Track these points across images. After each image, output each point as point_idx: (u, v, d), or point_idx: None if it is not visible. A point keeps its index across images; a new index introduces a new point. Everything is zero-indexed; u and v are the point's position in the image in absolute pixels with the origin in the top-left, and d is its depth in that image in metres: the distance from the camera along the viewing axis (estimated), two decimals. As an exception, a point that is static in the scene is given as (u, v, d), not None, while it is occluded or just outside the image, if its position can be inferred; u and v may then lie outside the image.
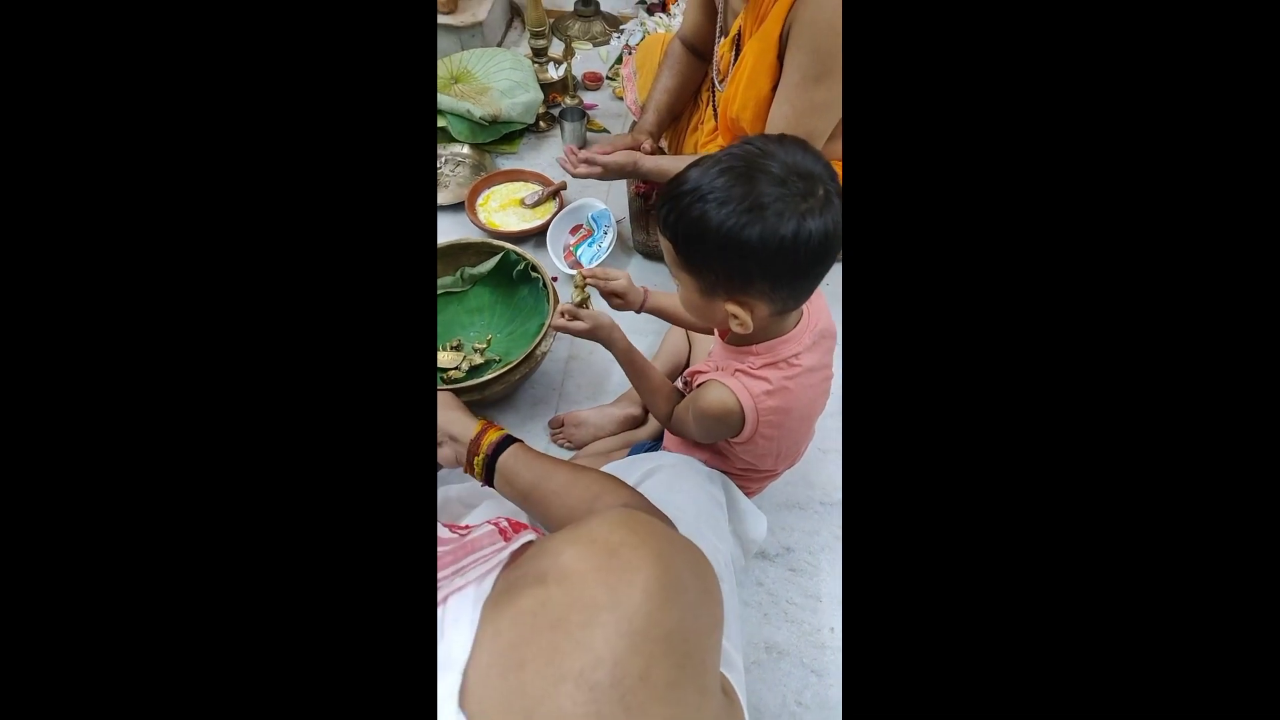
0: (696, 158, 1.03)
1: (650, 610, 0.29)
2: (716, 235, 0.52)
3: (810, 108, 0.88)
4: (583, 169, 1.05)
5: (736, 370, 0.63)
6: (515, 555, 0.38)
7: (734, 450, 0.71)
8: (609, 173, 1.06)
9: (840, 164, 1.01)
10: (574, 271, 1.19)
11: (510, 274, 1.07)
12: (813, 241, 0.51)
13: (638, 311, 0.81)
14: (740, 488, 0.76)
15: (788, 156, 0.53)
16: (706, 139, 1.17)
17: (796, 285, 0.56)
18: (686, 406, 0.70)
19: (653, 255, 1.23)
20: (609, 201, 1.28)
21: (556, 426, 1.03)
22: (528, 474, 0.55)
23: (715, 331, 0.71)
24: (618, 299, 0.79)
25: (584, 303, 0.77)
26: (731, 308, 0.57)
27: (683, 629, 0.30)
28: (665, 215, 0.56)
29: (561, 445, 1.01)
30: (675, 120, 1.22)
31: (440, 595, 0.33)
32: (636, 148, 1.09)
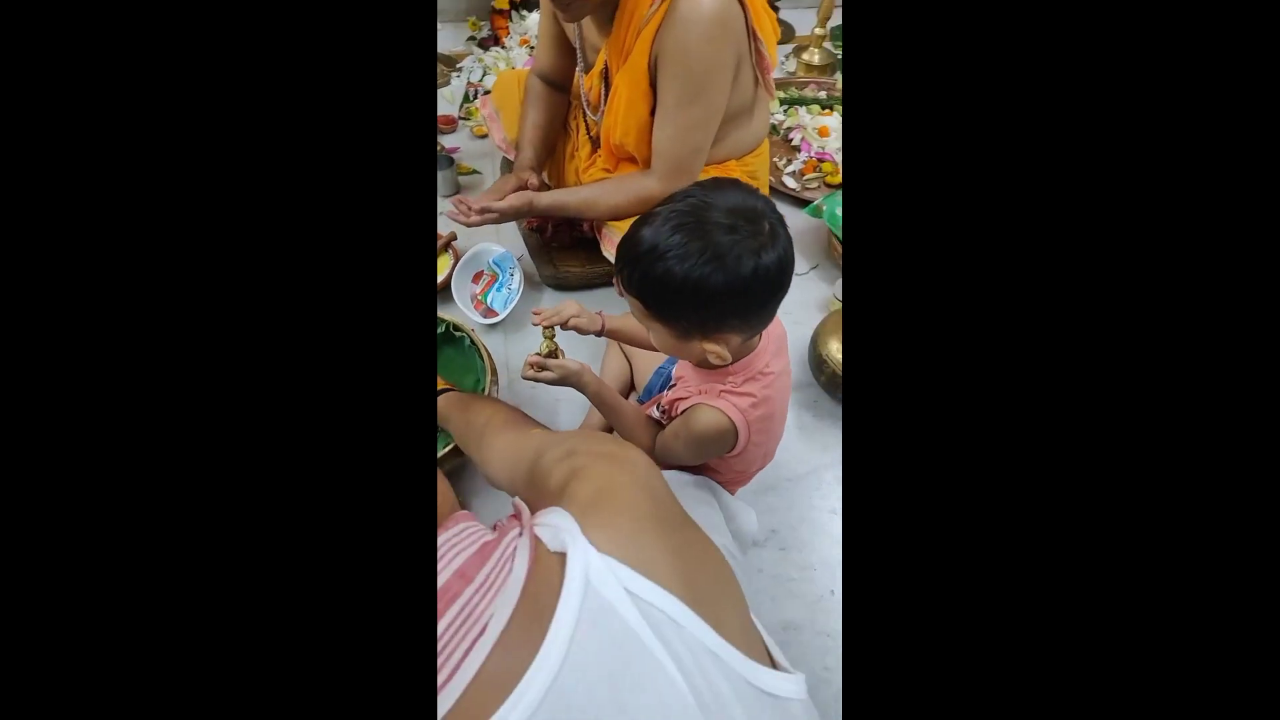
0: (589, 187, 1.06)
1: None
2: (683, 289, 0.56)
3: (690, 125, 0.94)
4: (476, 218, 1.04)
5: (722, 391, 0.67)
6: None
7: (726, 463, 0.75)
8: (505, 218, 1.06)
9: (729, 165, 1.09)
10: (489, 320, 1.18)
11: (432, 341, 1.03)
12: (770, 274, 0.56)
13: (599, 335, 0.83)
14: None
15: (728, 201, 0.57)
16: (585, 165, 1.20)
17: (763, 314, 0.61)
18: (674, 434, 0.73)
19: (563, 286, 1.25)
20: (501, 241, 1.27)
21: None
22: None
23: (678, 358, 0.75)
24: (577, 329, 0.80)
25: (554, 352, 0.77)
26: (709, 346, 0.61)
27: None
28: (629, 276, 0.60)
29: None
30: (551, 152, 1.23)
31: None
32: (523, 186, 1.10)
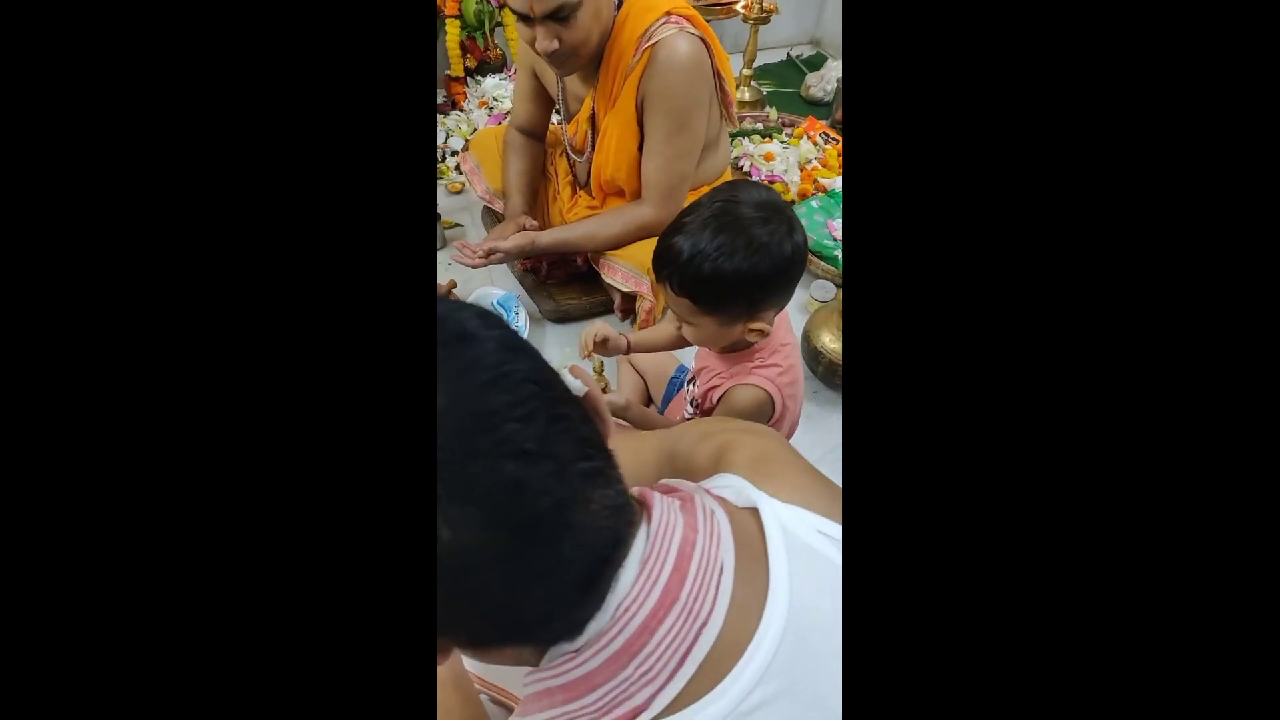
0: (587, 221, 1.15)
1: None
2: (736, 281, 0.66)
3: (676, 155, 1.06)
4: (481, 260, 1.11)
5: (752, 369, 0.77)
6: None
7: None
8: (510, 257, 1.13)
9: (703, 190, 1.21)
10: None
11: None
12: (801, 251, 0.68)
13: (625, 354, 0.91)
14: None
15: (753, 197, 0.68)
16: (569, 206, 1.31)
17: (792, 288, 0.72)
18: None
19: (565, 318, 1.32)
20: (495, 284, 1.34)
21: None
22: None
23: (696, 349, 0.84)
24: (606, 348, 0.88)
25: (601, 372, 0.85)
26: (753, 326, 0.71)
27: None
28: (679, 281, 0.68)
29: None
30: (534, 197, 1.33)
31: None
32: (522, 229, 1.18)
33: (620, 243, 1.15)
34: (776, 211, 0.67)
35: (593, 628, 0.32)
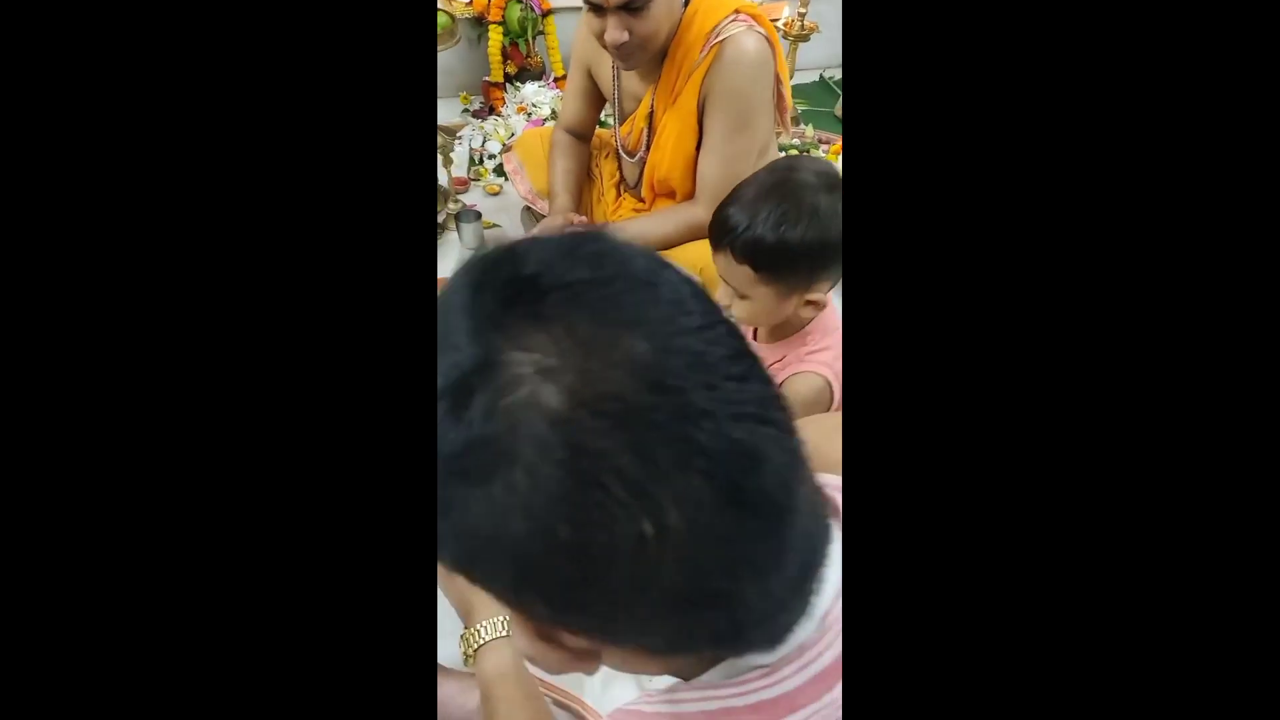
0: (637, 221, 1.13)
1: None
2: (796, 248, 0.65)
3: (735, 156, 1.05)
4: None
5: (806, 354, 0.74)
6: None
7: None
8: None
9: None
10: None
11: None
12: None
13: None
14: None
15: (813, 167, 0.68)
16: (613, 208, 1.29)
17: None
18: None
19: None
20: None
21: None
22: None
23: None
24: None
25: None
26: (810, 298, 0.70)
27: None
28: (739, 247, 0.67)
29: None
30: (580, 197, 1.32)
31: None
32: (570, 225, 1.16)
33: (670, 243, 1.13)
34: (837, 182, 0.65)
35: (796, 637, 0.27)
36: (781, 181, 0.67)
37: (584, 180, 1.31)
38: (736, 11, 0.98)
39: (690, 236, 1.12)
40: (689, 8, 0.98)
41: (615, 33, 0.91)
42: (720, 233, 0.69)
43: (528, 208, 1.42)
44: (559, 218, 1.18)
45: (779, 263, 0.67)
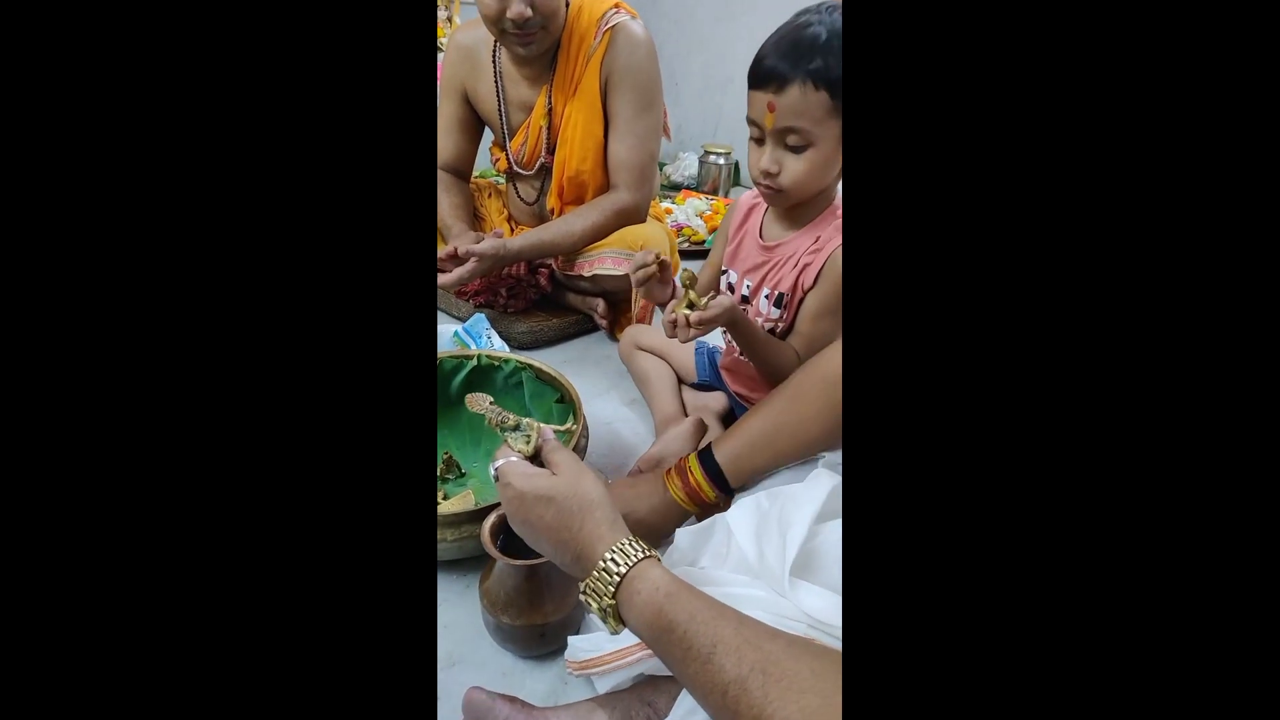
0: (558, 220, 1.07)
1: None
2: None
3: (646, 133, 1.06)
4: (456, 267, 0.96)
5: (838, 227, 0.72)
6: None
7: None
8: (483, 263, 0.98)
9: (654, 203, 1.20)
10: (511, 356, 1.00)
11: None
12: None
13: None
14: None
15: (809, 13, 0.66)
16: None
17: None
18: (820, 306, 0.73)
19: (539, 343, 1.15)
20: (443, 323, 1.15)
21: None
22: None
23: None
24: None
25: (693, 304, 0.70)
26: None
27: None
28: (814, 72, 0.61)
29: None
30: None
31: None
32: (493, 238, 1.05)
33: (600, 233, 1.07)
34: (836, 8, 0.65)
35: None
36: (802, 22, 0.63)
37: (471, 216, 1.22)
38: (617, 5, 1.04)
39: (620, 222, 1.08)
40: (574, 1, 1.02)
41: (519, 7, 0.90)
42: (788, 66, 0.62)
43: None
44: (468, 234, 1.06)
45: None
